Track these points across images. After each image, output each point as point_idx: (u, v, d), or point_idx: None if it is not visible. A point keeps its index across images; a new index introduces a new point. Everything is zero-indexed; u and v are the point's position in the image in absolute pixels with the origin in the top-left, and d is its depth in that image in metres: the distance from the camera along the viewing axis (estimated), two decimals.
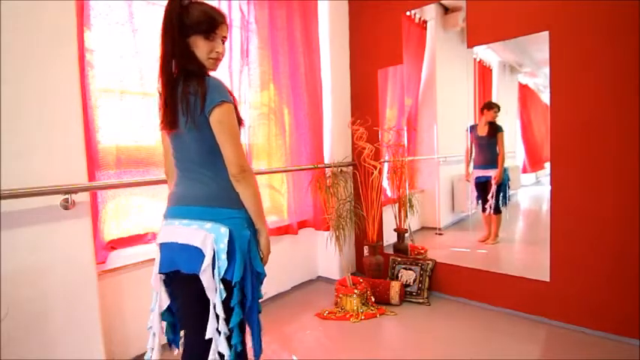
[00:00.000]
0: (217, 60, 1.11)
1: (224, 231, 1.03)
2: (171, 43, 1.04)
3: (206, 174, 1.09)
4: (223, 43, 1.11)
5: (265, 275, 1.13)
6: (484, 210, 2.63)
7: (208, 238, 1.03)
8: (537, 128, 2.62)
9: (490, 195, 2.58)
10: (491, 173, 2.58)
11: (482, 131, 2.59)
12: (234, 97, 1.10)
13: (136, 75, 1.90)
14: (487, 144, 2.59)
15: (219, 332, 1.03)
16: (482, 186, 2.64)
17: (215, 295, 1.03)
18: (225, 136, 1.04)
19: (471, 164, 2.69)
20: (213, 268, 1.03)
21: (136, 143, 1.94)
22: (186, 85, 1.03)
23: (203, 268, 1.02)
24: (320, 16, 2.78)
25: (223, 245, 1.02)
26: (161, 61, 1.07)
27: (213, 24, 1.06)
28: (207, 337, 1.03)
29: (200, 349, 1.06)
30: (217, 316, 1.03)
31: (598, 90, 1.88)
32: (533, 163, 2.72)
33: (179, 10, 1.03)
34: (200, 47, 1.06)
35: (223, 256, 1.02)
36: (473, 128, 2.64)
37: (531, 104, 2.68)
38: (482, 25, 2.27)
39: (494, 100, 2.70)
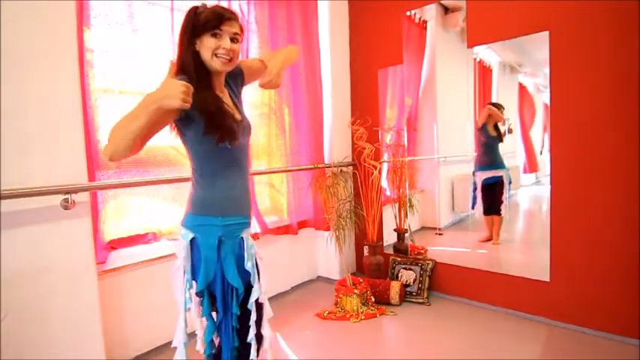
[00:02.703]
0: (226, 58, 1.03)
1: (190, 237, 1.07)
2: (181, 47, 1.04)
3: (192, 177, 1.11)
4: (235, 42, 1.05)
5: (242, 290, 1.07)
6: (492, 212, 2.61)
7: (179, 243, 1.08)
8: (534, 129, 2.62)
9: (504, 196, 2.55)
10: (502, 173, 2.57)
11: (493, 131, 2.57)
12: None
13: (136, 75, 1.89)
14: (496, 144, 2.58)
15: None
16: (490, 187, 2.61)
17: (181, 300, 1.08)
18: None
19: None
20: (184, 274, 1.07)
21: None
22: None
23: (172, 271, 1.08)
24: (320, 16, 2.78)
25: (187, 252, 1.06)
26: (176, 66, 1.07)
27: (218, 20, 1.02)
28: (173, 346, 1.09)
29: (223, 347, 1.09)
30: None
31: (598, 90, 1.88)
32: (532, 164, 2.71)
33: (193, 17, 1.02)
34: (205, 45, 1.02)
35: (188, 263, 1.06)
36: (483, 128, 2.61)
37: (529, 105, 2.67)
38: (482, 25, 2.26)
39: (494, 100, 2.70)
